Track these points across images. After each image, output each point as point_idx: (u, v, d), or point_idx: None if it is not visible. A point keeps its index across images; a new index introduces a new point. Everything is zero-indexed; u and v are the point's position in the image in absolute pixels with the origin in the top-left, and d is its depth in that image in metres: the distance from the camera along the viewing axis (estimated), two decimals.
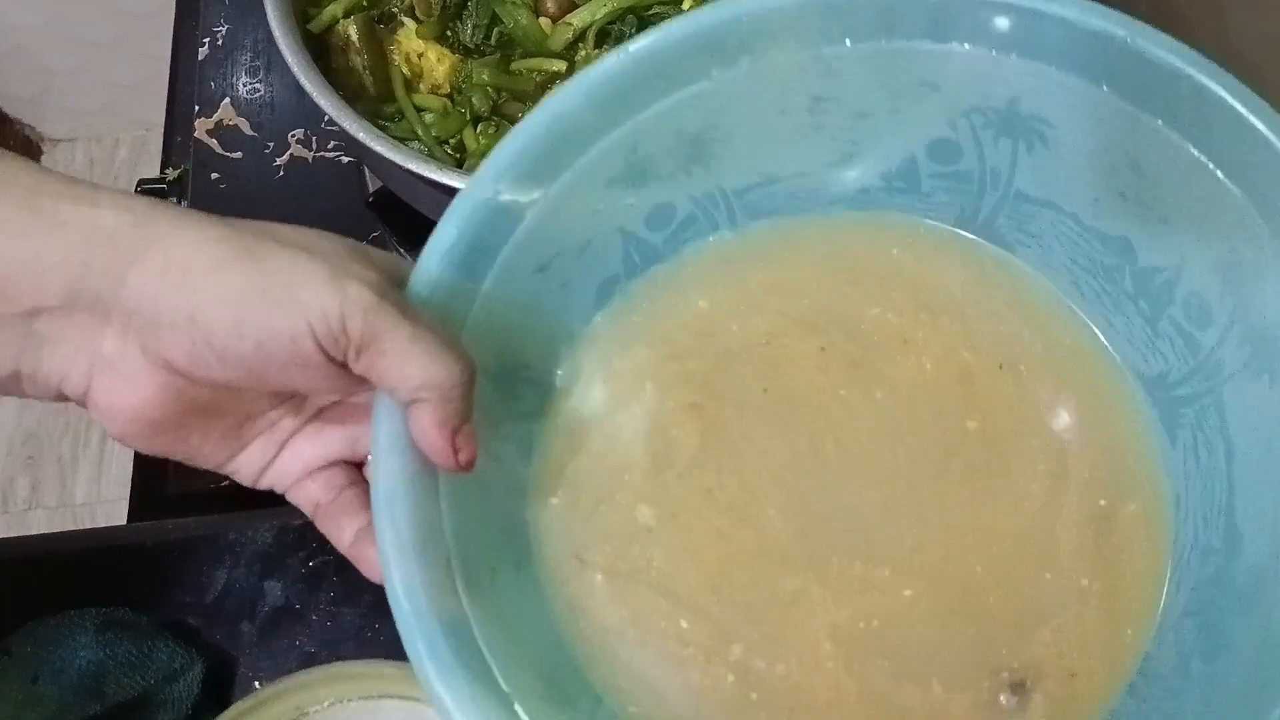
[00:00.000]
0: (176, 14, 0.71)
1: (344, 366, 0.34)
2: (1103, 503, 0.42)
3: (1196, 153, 0.38)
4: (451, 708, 0.33)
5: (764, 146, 0.44)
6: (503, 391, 0.41)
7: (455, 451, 0.35)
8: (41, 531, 0.54)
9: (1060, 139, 0.41)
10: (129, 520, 0.62)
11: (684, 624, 0.39)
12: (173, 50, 0.70)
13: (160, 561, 0.52)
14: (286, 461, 0.39)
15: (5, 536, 0.56)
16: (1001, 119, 0.42)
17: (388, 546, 0.35)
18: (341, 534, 0.38)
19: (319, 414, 0.39)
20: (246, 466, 0.38)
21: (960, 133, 0.43)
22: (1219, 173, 0.37)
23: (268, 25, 0.54)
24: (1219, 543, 0.39)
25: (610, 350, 0.44)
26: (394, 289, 0.34)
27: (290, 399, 0.38)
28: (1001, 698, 0.39)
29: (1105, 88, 0.39)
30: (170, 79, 0.77)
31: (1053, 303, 0.44)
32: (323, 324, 0.32)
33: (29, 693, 0.48)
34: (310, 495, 0.39)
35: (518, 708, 0.35)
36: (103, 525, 0.53)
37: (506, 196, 0.39)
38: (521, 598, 0.40)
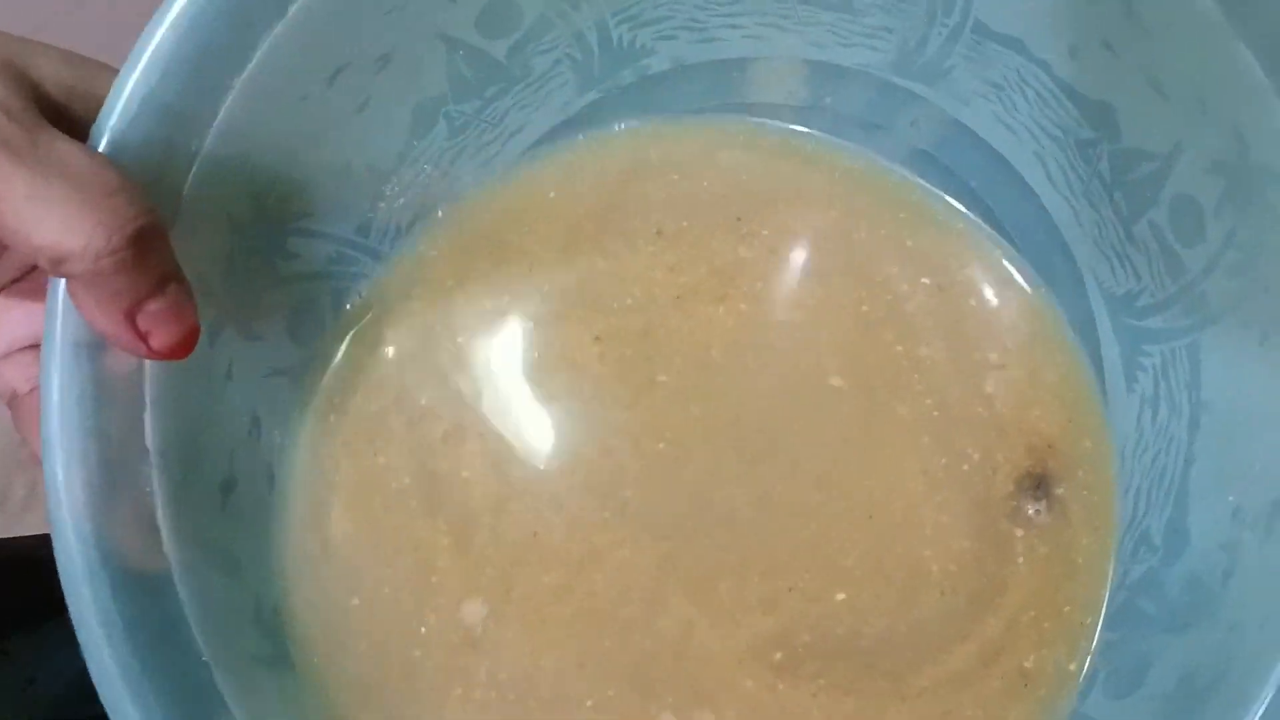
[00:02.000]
0: None
1: None
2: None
3: None
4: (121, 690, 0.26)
5: None
6: (263, 247, 0.32)
7: (141, 337, 0.26)
8: (38, 532, 0.51)
9: None
10: None
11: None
12: None
13: None
14: None
15: (2, 537, 0.53)
16: None
17: (50, 470, 0.27)
18: (35, 440, 0.30)
19: (29, 275, 0.31)
20: None
21: None
22: (1220, 15, 0.25)
23: None
24: (1158, 537, 0.30)
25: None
26: (25, 115, 0.25)
27: None
28: (1030, 510, 0.31)
29: None
30: None
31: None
32: None
33: (25, 695, 0.46)
34: (6, 380, 0.31)
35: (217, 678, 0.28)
36: None
37: None
38: (267, 522, 0.32)
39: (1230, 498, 0.27)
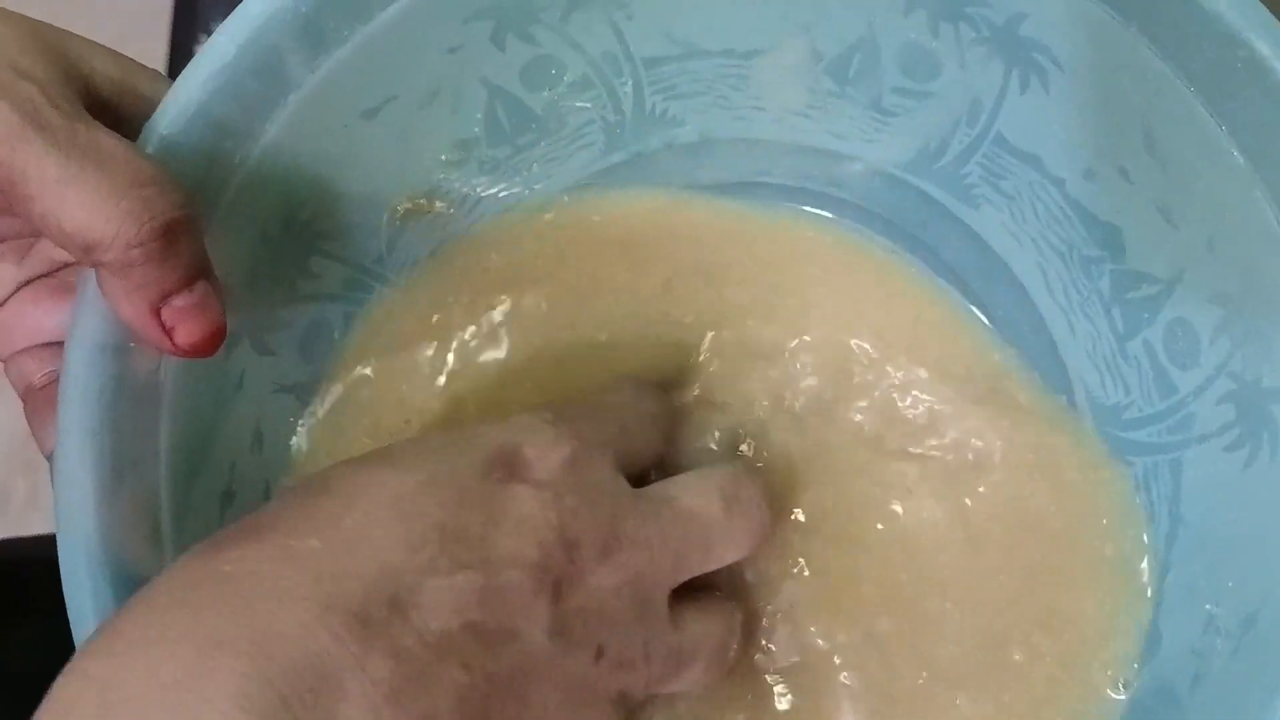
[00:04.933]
0: (173, 12, 0.66)
1: None
2: None
3: (1222, 133, 0.27)
4: None
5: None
6: (287, 263, 0.32)
7: (166, 330, 0.26)
8: (39, 533, 0.50)
9: (1062, 81, 0.31)
10: None
11: None
12: (169, 49, 0.66)
13: None
14: (7, 322, 0.30)
15: (3, 538, 0.52)
16: (998, 36, 0.31)
17: (63, 462, 0.27)
18: (45, 434, 0.29)
19: (57, 271, 0.30)
20: None
21: (943, 41, 0.32)
22: (1242, 161, 0.27)
23: None
24: None
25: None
26: (65, 103, 0.25)
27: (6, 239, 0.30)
28: None
29: (1135, 27, 0.28)
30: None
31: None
32: None
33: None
34: (24, 373, 0.31)
35: None
36: None
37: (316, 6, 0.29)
38: None
39: (1207, 606, 0.29)
